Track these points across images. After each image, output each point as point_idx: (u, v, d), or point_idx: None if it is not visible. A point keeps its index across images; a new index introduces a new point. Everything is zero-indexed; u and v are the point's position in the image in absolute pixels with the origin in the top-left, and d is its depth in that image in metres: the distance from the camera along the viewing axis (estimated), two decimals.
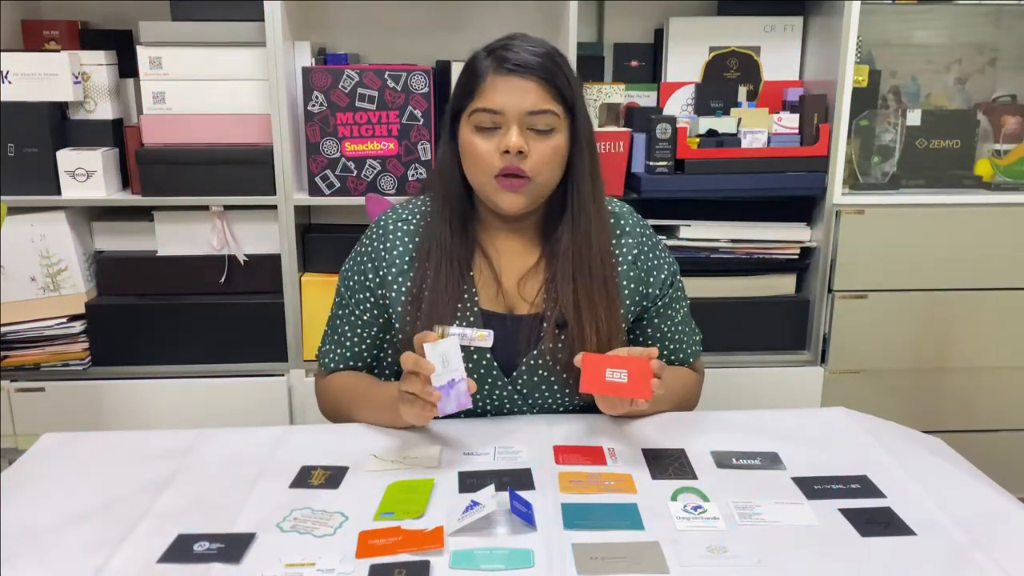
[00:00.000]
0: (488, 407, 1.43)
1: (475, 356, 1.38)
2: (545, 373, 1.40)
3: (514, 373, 1.40)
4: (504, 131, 1.32)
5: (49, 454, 1.29)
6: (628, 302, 1.44)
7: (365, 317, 1.45)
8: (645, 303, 1.46)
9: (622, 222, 1.46)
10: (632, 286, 1.44)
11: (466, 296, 1.40)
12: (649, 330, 1.49)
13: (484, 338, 1.33)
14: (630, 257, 1.44)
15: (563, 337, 1.38)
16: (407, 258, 1.42)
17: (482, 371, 1.39)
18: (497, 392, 1.41)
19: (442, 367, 1.22)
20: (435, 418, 1.28)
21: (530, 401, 1.43)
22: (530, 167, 1.32)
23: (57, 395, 2.15)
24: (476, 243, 1.43)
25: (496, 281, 1.42)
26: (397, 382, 1.31)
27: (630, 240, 1.45)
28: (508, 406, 1.43)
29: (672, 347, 1.51)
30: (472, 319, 1.39)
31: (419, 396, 1.22)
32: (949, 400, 2.32)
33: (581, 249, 1.38)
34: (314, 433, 1.37)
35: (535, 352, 1.39)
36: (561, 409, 1.45)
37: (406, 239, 1.43)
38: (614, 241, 1.44)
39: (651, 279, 1.45)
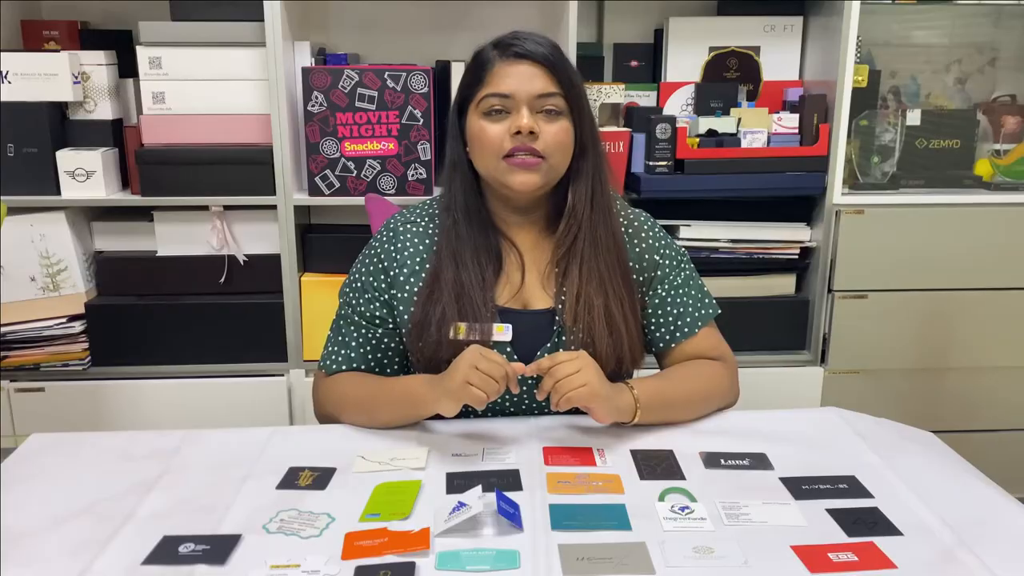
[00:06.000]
0: (508, 404, 1.43)
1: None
2: None
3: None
4: (514, 114, 1.34)
5: (37, 455, 1.29)
6: (638, 277, 1.44)
7: (377, 313, 1.44)
8: (646, 275, 1.46)
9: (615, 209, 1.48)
10: (634, 265, 1.45)
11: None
12: (644, 299, 1.47)
13: (503, 332, 1.33)
14: (625, 237, 1.45)
15: (576, 329, 1.37)
16: (418, 259, 1.43)
17: None
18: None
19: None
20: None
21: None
22: (542, 147, 1.34)
23: (57, 395, 2.16)
24: (500, 239, 1.44)
25: (518, 276, 1.42)
26: (411, 376, 1.41)
27: (623, 222, 1.47)
28: (528, 401, 1.42)
29: (676, 312, 1.47)
30: (488, 316, 1.37)
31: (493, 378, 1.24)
32: (949, 400, 2.31)
33: (592, 233, 1.39)
34: (302, 434, 1.38)
35: (548, 345, 1.40)
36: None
37: (416, 240, 1.44)
38: None
39: (652, 254, 1.47)
